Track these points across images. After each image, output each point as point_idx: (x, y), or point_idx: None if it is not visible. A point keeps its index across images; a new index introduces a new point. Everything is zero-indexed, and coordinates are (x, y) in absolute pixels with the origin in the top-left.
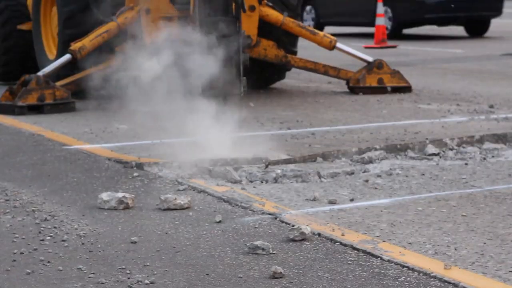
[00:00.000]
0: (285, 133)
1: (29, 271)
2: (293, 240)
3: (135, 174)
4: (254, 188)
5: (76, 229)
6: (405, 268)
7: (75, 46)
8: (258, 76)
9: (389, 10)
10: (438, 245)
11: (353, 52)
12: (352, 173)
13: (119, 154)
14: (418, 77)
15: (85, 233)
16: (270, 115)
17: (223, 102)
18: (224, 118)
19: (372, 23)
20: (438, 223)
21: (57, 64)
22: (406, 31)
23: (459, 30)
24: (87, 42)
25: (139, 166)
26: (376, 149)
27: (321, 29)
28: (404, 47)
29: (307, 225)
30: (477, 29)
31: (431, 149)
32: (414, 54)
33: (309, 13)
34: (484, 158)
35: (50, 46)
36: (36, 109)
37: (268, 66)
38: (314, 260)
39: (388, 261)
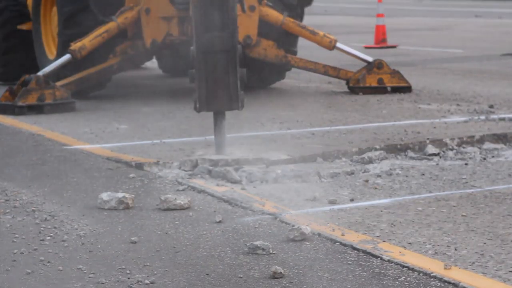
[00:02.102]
0: (285, 133)
1: (29, 271)
2: (293, 240)
3: (135, 174)
4: (254, 188)
5: (76, 229)
6: (405, 268)
7: (75, 46)
8: (258, 76)
9: None
10: (438, 245)
11: (353, 52)
12: (352, 173)
13: (119, 154)
14: (418, 77)
15: (85, 233)
16: (270, 115)
17: (221, 116)
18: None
19: None
20: (438, 223)
21: (57, 64)
22: None
23: None
24: (87, 42)
25: (139, 166)
26: (376, 149)
27: None
28: (404, 47)
29: (307, 225)
30: None
31: (431, 149)
32: (414, 54)
33: None
34: (484, 158)
35: (50, 46)
36: (36, 109)
37: (268, 66)
38: (314, 260)
39: (388, 261)
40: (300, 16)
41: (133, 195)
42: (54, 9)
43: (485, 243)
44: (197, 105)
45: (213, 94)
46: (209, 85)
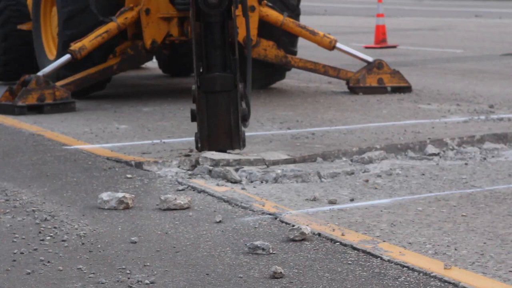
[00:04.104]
0: (285, 133)
1: (29, 271)
2: (293, 240)
3: (135, 173)
4: (254, 188)
5: (76, 229)
6: (405, 268)
7: (75, 46)
8: (258, 76)
9: None
10: (438, 245)
11: (353, 52)
12: (352, 173)
13: (119, 154)
14: (418, 77)
15: (85, 233)
16: (270, 115)
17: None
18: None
19: None
20: (438, 223)
21: (57, 64)
22: None
23: None
24: (87, 42)
25: (139, 165)
26: (376, 149)
27: None
28: (404, 47)
29: (307, 225)
30: None
31: (431, 149)
32: (414, 54)
33: None
34: (484, 158)
35: (50, 47)
36: (36, 109)
37: (268, 66)
38: (314, 260)
39: (388, 261)
40: (298, 15)
41: (133, 195)
42: (54, 9)
43: (485, 243)
44: (199, 145)
45: (214, 134)
46: (210, 124)
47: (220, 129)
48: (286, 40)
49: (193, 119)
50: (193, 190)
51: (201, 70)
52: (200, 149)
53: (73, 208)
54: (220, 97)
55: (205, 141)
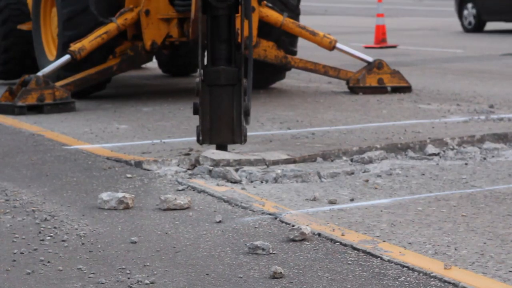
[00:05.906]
0: (285, 133)
1: (29, 271)
2: (293, 240)
3: (135, 173)
4: (254, 188)
5: (76, 229)
6: (405, 268)
7: (74, 47)
8: (258, 76)
9: None
10: (438, 245)
11: (353, 52)
12: (352, 173)
13: (119, 154)
14: (418, 77)
15: (85, 233)
16: (270, 115)
17: (224, 149)
18: None
19: None
20: (438, 223)
21: (57, 64)
22: None
23: None
24: (86, 43)
25: (139, 164)
26: (376, 149)
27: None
28: (404, 47)
29: (307, 225)
30: None
31: (431, 149)
32: (414, 54)
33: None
34: (484, 158)
35: (50, 47)
36: (36, 109)
37: (268, 66)
38: (314, 260)
39: (388, 261)
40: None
41: (133, 195)
42: (54, 10)
43: (485, 243)
44: (200, 138)
45: (216, 127)
46: (213, 118)
47: (222, 123)
48: (286, 40)
49: (195, 112)
50: (193, 190)
51: (205, 64)
52: (201, 142)
53: (73, 208)
54: (224, 90)
55: (206, 134)
